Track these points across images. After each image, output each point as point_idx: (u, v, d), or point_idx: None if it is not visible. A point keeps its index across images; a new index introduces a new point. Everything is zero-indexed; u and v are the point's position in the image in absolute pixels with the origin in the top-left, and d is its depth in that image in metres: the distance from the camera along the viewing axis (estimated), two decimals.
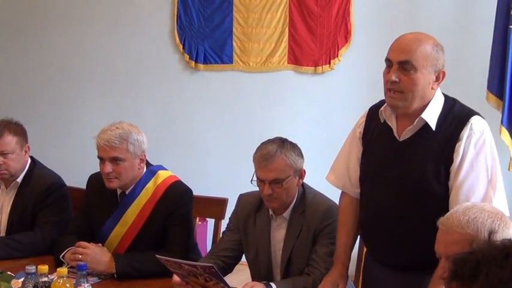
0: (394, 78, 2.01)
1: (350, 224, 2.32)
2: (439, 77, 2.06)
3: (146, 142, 2.65)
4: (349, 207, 2.34)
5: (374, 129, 2.22)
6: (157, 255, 2.26)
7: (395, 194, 2.13)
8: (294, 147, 2.43)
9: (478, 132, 2.03)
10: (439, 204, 2.01)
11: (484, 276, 1.16)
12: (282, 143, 2.41)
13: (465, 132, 2.03)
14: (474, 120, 2.05)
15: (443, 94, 2.14)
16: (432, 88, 2.06)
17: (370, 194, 2.25)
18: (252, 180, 2.44)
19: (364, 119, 2.29)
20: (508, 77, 3.48)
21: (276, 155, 2.36)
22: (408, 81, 2.01)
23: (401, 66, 2.01)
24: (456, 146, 2.02)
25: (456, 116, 2.07)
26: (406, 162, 2.10)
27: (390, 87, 2.05)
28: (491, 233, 1.59)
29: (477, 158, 2.02)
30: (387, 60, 2.07)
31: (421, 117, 2.05)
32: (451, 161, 2.03)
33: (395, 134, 2.13)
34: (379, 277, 2.27)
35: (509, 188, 3.71)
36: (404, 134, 2.11)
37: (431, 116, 2.06)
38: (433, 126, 2.05)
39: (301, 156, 2.45)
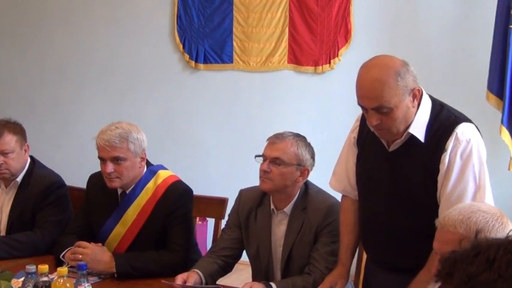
0: (374, 122, 2.01)
1: (352, 224, 2.33)
2: (415, 94, 2.02)
3: (146, 141, 2.65)
4: (351, 209, 2.35)
5: (367, 134, 2.22)
6: (163, 280, 2.30)
7: (386, 202, 2.15)
8: (308, 145, 2.48)
9: (464, 141, 2.00)
10: (428, 213, 2.01)
11: (457, 274, 1.19)
12: (299, 135, 2.48)
13: (450, 143, 2.00)
14: (460, 128, 2.02)
15: (431, 98, 2.11)
16: (413, 107, 2.03)
17: (364, 198, 2.27)
18: (256, 156, 2.46)
19: (358, 123, 2.29)
20: (508, 76, 3.48)
21: (287, 138, 2.43)
22: (388, 120, 2.00)
23: (376, 110, 1.99)
24: (442, 157, 2.01)
25: (442, 124, 2.04)
26: (395, 173, 2.11)
27: (374, 127, 2.06)
28: (478, 232, 1.60)
29: (464, 167, 2.00)
30: (359, 105, 2.04)
31: (409, 132, 2.04)
32: (437, 171, 2.02)
33: (385, 144, 2.14)
34: (378, 278, 2.28)
35: (509, 188, 3.75)
36: (393, 145, 2.11)
37: (419, 129, 2.04)
38: (422, 139, 2.04)
39: (312, 157, 2.48)
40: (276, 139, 2.44)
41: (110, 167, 2.54)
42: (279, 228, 2.50)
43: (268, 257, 2.51)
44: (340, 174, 2.37)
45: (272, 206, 2.51)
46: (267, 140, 2.48)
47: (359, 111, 2.33)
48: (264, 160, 2.43)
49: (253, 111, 4.55)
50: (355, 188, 2.31)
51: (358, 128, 2.28)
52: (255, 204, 2.55)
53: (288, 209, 2.47)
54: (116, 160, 2.54)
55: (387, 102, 1.96)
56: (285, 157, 2.39)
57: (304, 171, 2.45)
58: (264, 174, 2.41)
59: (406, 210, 2.10)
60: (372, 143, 2.19)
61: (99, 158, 2.58)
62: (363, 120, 2.24)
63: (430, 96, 2.11)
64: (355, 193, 2.33)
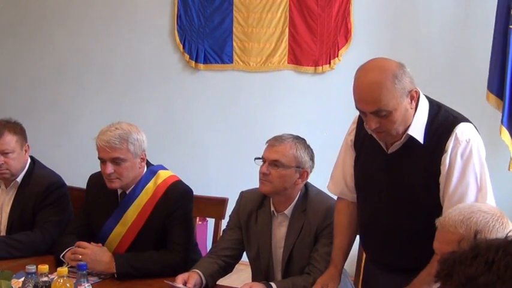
0: (374, 126, 2.00)
1: (345, 226, 2.33)
2: (413, 96, 2.01)
3: (146, 141, 2.65)
4: (344, 211, 2.34)
5: (364, 137, 2.21)
6: (165, 281, 2.29)
7: (387, 204, 2.14)
8: (307, 147, 2.48)
9: (464, 141, 2.00)
10: (428, 214, 2.00)
11: (456, 276, 1.19)
12: (298, 137, 2.49)
13: (450, 143, 2.00)
14: (459, 129, 2.01)
15: (428, 99, 2.10)
16: (411, 108, 2.03)
17: (363, 201, 2.27)
18: (255, 159, 2.46)
19: (355, 126, 2.28)
20: (508, 76, 3.48)
21: (286, 141, 2.43)
22: (387, 122, 1.99)
23: (375, 114, 1.98)
24: (442, 158, 2.01)
25: (441, 125, 2.04)
26: (395, 175, 2.10)
27: (373, 131, 2.05)
28: (477, 233, 1.60)
29: (465, 168, 2.00)
30: (358, 108, 2.03)
31: (408, 134, 2.04)
32: (438, 172, 2.02)
33: (383, 147, 2.14)
34: (378, 278, 2.28)
35: (509, 187, 3.75)
36: (392, 147, 2.11)
37: (417, 130, 2.04)
38: (421, 140, 2.04)
39: (311, 159, 2.48)
40: (275, 141, 2.44)
41: (110, 168, 2.54)
42: (279, 230, 2.50)
43: (268, 258, 2.51)
44: (337, 177, 2.36)
45: (272, 208, 2.51)
46: (267, 142, 2.48)
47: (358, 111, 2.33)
48: (264, 162, 2.43)
49: (253, 111, 4.55)
50: (353, 191, 2.31)
51: (355, 131, 2.28)
52: (255, 206, 2.55)
53: (288, 211, 2.47)
54: (115, 161, 2.54)
55: (385, 105, 1.95)
56: (283, 159, 2.39)
57: (304, 173, 2.45)
58: (263, 176, 2.41)
59: (406, 211, 2.10)
60: (369, 145, 2.19)
61: (99, 158, 2.58)
62: (359, 123, 2.24)
63: (427, 97, 2.11)
64: (352, 195, 2.32)
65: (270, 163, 2.40)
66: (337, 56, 4.30)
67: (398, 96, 1.96)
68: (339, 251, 2.31)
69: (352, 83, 2.02)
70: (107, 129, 2.58)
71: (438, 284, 1.76)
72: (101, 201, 2.71)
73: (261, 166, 2.43)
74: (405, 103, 1.99)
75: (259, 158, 2.46)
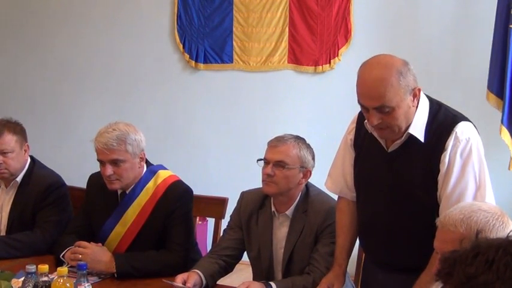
0: (376, 122, 1.99)
1: (347, 225, 2.33)
2: (416, 94, 2.01)
3: (144, 140, 2.64)
4: (346, 209, 2.34)
5: (364, 136, 2.21)
6: (164, 280, 2.28)
7: (387, 203, 2.14)
8: (308, 147, 2.48)
9: (464, 140, 2.00)
10: (428, 213, 2.01)
11: (457, 275, 1.20)
12: (299, 137, 2.48)
13: (450, 142, 2.00)
14: (459, 128, 2.02)
15: (428, 98, 2.11)
16: (413, 106, 2.02)
17: (363, 200, 2.26)
18: (258, 160, 2.45)
19: (354, 125, 2.28)
20: (508, 76, 3.48)
21: (289, 141, 2.43)
22: (390, 119, 1.98)
23: (377, 109, 1.97)
24: (442, 157, 2.01)
25: (440, 124, 2.04)
26: (395, 173, 2.10)
27: (374, 127, 2.04)
28: (478, 232, 1.60)
29: (464, 167, 2.00)
30: (360, 104, 2.02)
31: (409, 133, 2.04)
32: (437, 171, 2.02)
33: (383, 145, 2.14)
34: (377, 277, 2.28)
35: (509, 187, 3.75)
36: (392, 146, 2.10)
37: (418, 129, 2.04)
38: (421, 139, 2.04)
39: (313, 158, 2.48)
40: (277, 142, 2.43)
41: (109, 170, 2.54)
42: (280, 231, 2.50)
43: (269, 259, 2.51)
44: (336, 175, 2.36)
45: (273, 209, 2.51)
46: (268, 143, 2.47)
47: (358, 111, 2.33)
48: (267, 164, 2.42)
49: (253, 111, 4.56)
50: (353, 190, 2.31)
51: (354, 130, 2.27)
52: (256, 206, 2.55)
53: (289, 211, 2.47)
54: (114, 162, 2.54)
55: (389, 101, 1.94)
56: (288, 160, 2.39)
57: (307, 172, 2.45)
58: (267, 177, 2.40)
59: (406, 211, 2.10)
60: (369, 144, 2.18)
61: (98, 160, 2.58)
62: (359, 122, 2.23)
63: (428, 96, 2.11)
64: (352, 194, 2.32)
65: (275, 164, 2.39)
66: (337, 56, 4.30)
67: (402, 93, 1.96)
68: (342, 250, 2.31)
69: (356, 78, 2.01)
70: (104, 131, 2.57)
71: (442, 284, 1.76)
72: (100, 201, 2.71)
73: (265, 167, 2.42)
74: (408, 100, 1.99)
75: (261, 160, 2.45)
